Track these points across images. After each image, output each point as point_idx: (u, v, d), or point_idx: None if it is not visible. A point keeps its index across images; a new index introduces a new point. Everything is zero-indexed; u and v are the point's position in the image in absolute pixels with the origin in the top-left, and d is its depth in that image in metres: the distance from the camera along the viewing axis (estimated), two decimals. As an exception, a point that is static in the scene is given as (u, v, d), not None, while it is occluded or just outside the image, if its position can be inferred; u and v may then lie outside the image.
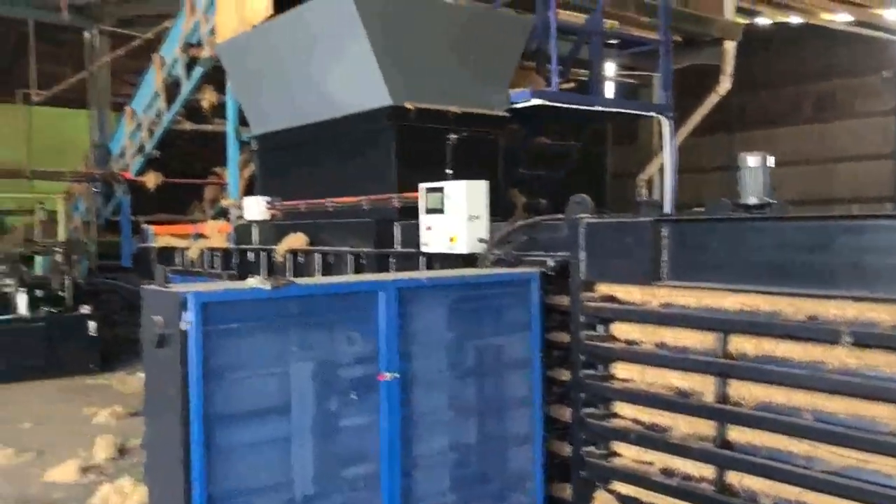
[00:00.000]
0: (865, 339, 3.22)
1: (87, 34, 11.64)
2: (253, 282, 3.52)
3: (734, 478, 3.74)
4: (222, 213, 10.54)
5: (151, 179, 10.71)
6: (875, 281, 3.22)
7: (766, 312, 3.57)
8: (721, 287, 3.75)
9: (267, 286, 3.47)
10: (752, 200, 4.81)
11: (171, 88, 9.72)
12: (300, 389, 3.72)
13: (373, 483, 3.87)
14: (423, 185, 5.43)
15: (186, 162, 11.40)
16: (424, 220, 5.39)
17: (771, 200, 4.86)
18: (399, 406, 3.89)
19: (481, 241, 5.12)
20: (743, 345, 3.68)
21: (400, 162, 6.14)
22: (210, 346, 3.35)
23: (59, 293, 10.34)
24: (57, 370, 9.64)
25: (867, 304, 3.24)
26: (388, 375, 3.84)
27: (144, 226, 10.08)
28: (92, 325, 9.98)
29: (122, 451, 6.25)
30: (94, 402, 8.20)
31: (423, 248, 5.43)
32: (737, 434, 3.74)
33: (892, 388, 3.16)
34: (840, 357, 3.32)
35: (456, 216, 5.15)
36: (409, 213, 5.91)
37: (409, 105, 6.06)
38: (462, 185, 5.17)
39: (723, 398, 3.75)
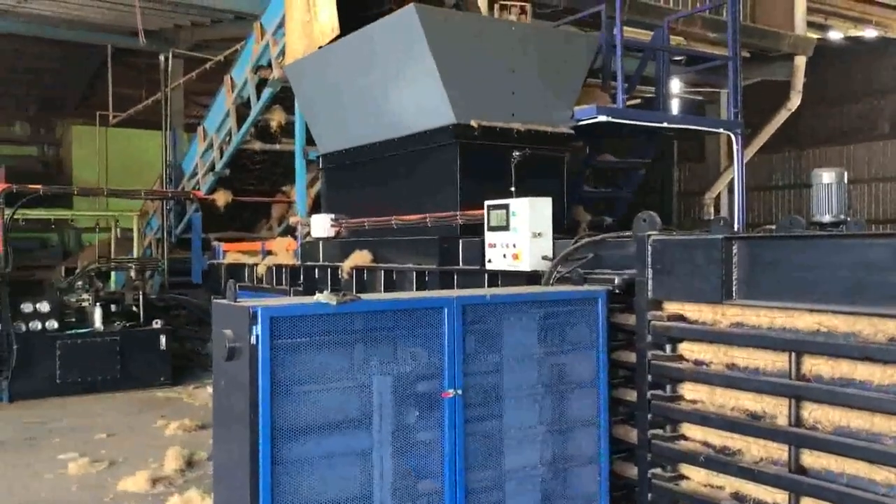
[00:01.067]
0: (951, 361, 3.08)
1: (161, 58, 12.03)
2: (319, 297, 3.56)
3: (809, 504, 3.61)
4: (289, 231, 10.76)
5: (221, 198, 10.99)
6: (961, 301, 3.08)
7: (844, 333, 3.45)
8: (795, 307, 3.64)
9: (333, 301, 3.52)
10: (827, 218, 4.68)
11: (241, 109, 9.98)
12: (366, 405, 3.74)
13: (436, 500, 3.86)
14: (487, 203, 5.43)
15: (255, 181, 11.69)
16: (488, 237, 5.39)
17: (846, 217, 4.72)
18: (462, 424, 3.88)
19: (545, 258, 5.09)
20: (819, 366, 3.55)
21: (463, 179, 6.17)
22: (278, 360, 3.40)
23: (133, 308, 10.65)
24: (129, 383, 9.92)
25: (952, 326, 3.10)
26: (451, 392, 3.84)
27: (214, 243, 10.34)
28: (163, 339, 10.24)
29: (190, 463, 6.37)
30: (165, 414, 8.41)
31: (487, 266, 5.43)
32: (812, 459, 3.60)
33: (980, 414, 3.00)
34: (923, 380, 3.18)
35: (520, 233, 5.14)
36: (473, 230, 5.93)
37: (473, 123, 6.09)
38: (526, 202, 5.15)
39: (797, 421, 3.62)
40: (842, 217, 4.72)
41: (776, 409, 3.71)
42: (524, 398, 4.19)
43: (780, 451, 3.71)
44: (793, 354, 3.62)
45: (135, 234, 13.27)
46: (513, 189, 6.17)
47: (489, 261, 5.40)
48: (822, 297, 3.55)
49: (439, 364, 3.84)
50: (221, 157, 10.51)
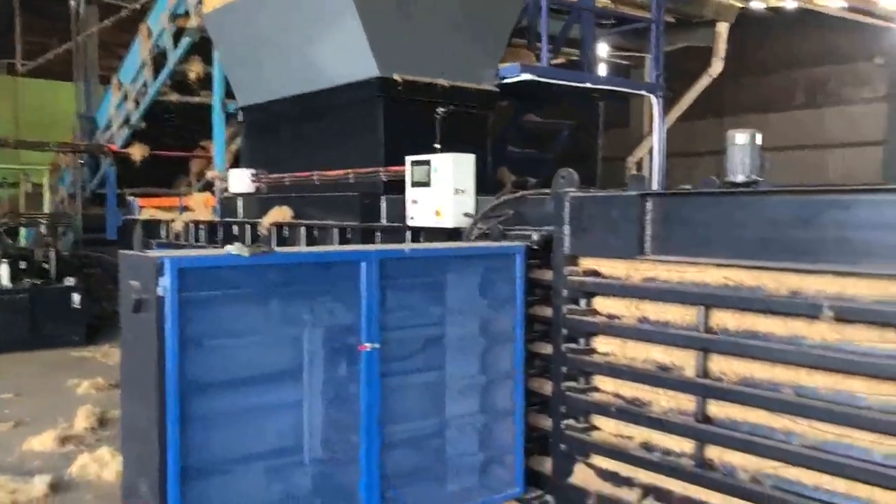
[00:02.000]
0: (846, 313, 3.21)
1: (72, 3, 11.42)
2: (231, 248, 3.47)
3: (714, 452, 3.74)
4: (209, 187, 10.47)
5: (137, 152, 10.61)
6: (857, 256, 3.20)
7: (749, 287, 3.55)
8: (704, 262, 3.73)
9: (245, 253, 3.43)
10: (740, 178, 4.79)
11: (158, 59, 9.61)
12: (283, 359, 3.69)
13: (352, 452, 3.85)
14: (409, 158, 5.38)
15: (174, 135, 11.31)
16: (410, 193, 5.34)
17: (758, 178, 4.85)
18: (379, 377, 3.87)
19: (467, 215, 5.09)
20: (725, 319, 3.66)
21: (387, 135, 6.09)
22: (187, 313, 3.31)
23: (44, 265, 10.24)
24: (40, 342, 9.55)
25: (849, 279, 3.22)
26: (368, 346, 3.81)
27: (130, 198, 10.00)
28: (76, 297, 9.89)
29: (102, 422, 6.22)
30: (77, 374, 8.14)
31: (409, 222, 5.40)
32: (717, 409, 3.73)
33: (870, 363, 3.15)
34: (821, 332, 3.31)
35: (442, 190, 5.11)
36: (396, 187, 5.87)
37: (397, 77, 6.00)
38: (448, 157, 5.13)
39: (704, 373, 3.74)
40: (753, 177, 4.85)
41: (684, 362, 3.82)
42: (441, 352, 4.21)
43: (687, 402, 3.82)
44: (701, 308, 3.72)
45: (45, 189, 12.70)
46: (438, 146, 6.13)
47: (411, 217, 5.36)
48: (731, 253, 3.64)
49: (357, 318, 3.81)
50: (137, 109, 10.11)
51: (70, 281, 10.01)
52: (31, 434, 5.89)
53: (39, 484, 4.73)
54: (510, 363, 4.41)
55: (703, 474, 3.74)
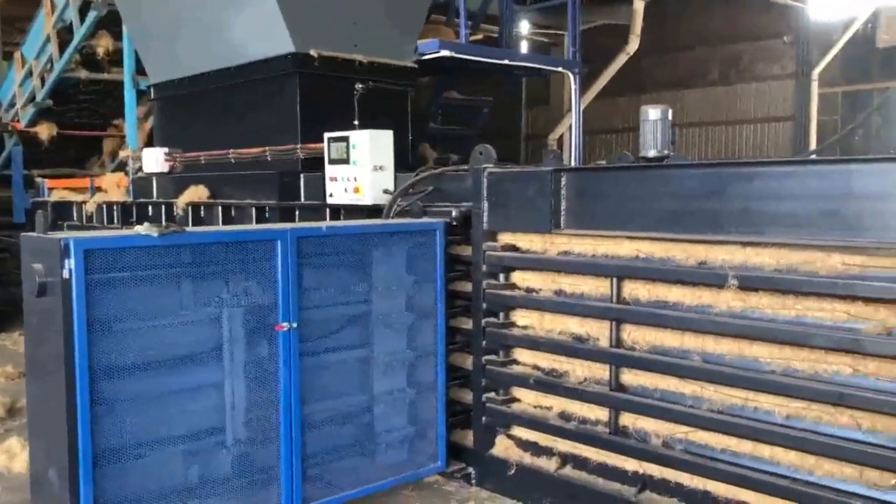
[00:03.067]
0: (751, 282, 3.34)
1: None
2: (140, 229, 3.37)
3: (628, 419, 3.86)
4: (122, 167, 10.13)
5: (45, 131, 10.13)
6: (762, 226, 3.34)
7: (660, 259, 3.67)
8: (617, 234, 3.83)
9: (154, 233, 3.34)
10: (652, 153, 4.91)
11: (63, 34, 9.18)
12: (198, 340, 3.62)
13: (273, 432, 3.82)
14: (327, 135, 5.32)
15: (84, 114, 10.87)
16: (329, 170, 5.29)
17: (670, 153, 4.98)
18: (298, 356, 3.84)
19: (386, 192, 5.07)
20: (637, 290, 3.77)
21: (304, 112, 5.99)
22: (95, 296, 3.21)
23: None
24: (-56, 331, 9.14)
25: (753, 249, 3.36)
26: (285, 326, 3.78)
27: (38, 180, 9.59)
28: (-18, 284, 9.46)
29: (11, 412, 6.00)
30: (-14, 362, 7.81)
31: (329, 200, 5.35)
32: (630, 377, 3.85)
33: (773, 329, 3.29)
34: (727, 300, 3.45)
35: (361, 166, 5.08)
36: (314, 164, 5.79)
37: (313, 52, 5.91)
38: (366, 134, 5.09)
39: (617, 342, 3.84)
40: (665, 152, 4.99)
41: (599, 332, 3.92)
42: (361, 330, 4.21)
43: (602, 371, 3.93)
44: (614, 280, 3.82)
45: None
46: (356, 122, 6.06)
47: (330, 195, 5.31)
48: (642, 226, 3.75)
49: (273, 297, 3.76)
50: (43, 86, 9.67)
51: (-25, 267, 9.56)
52: (-66, 426, 5.64)
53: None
54: (432, 339, 4.44)
55: (618, 441, 3.87)
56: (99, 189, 8.34)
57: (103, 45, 8.98)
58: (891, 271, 2.99)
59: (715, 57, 22.42)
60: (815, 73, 20.39)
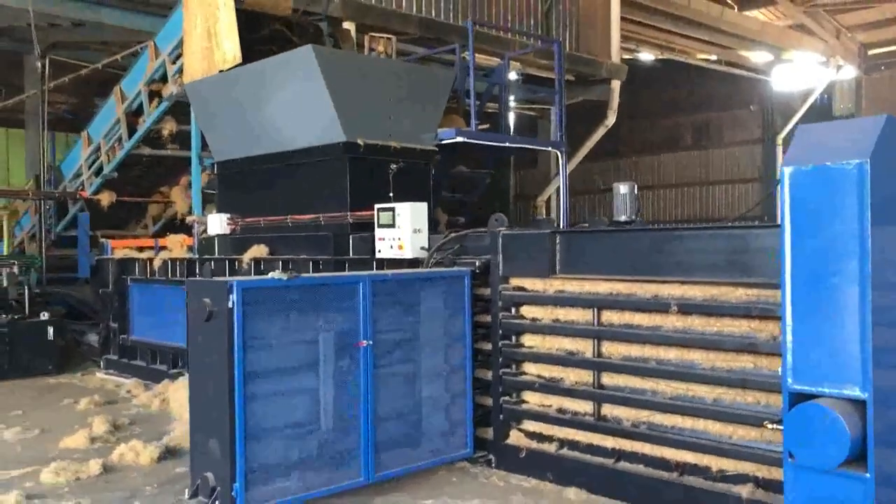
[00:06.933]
0: (687, 308, 4.95)
1: (38, 64, 12.47)
2: (273, 274, 4.95)
3: (607, 409, 5.42)
4: (166, 228, 11.71)
5: (106, 198, 11.74)
6: (692, 270, 4.96)
7: (626, 294, 5.27)
8: (597, 278, 5.44)
9: (284, 277, 4.91)
10: (623, 218, 6.57)
11: (130, 117, 10.84)
12: (308, 354, 5.13)
13: (355, 424, 5.33)
14: (377, 206, 6.94)
15: (135, 181, 12.47)
16: (378, 232, 6.90)
17: (636, 218, 6.64)
18: (372, 367, 5.38)
19: (422, 248, 6.67)
20: (611, 317, 5.37)
21: (352, 186, 7.62)
22: (246, 321, 4.75)
23: (12, 303, 11.17)
24: (17, 372, 10.46)
25: (688, 286, 4.97)
26: (364, 343, 5.33)
27: (102, 240, 11.11)
28: (51, 330, 10.88)
29: (116, 427, 7.36)
30: (66, 395, 9.18)
31: (378, 255, 6.93)
32: (608, 379, 5.42)
33: (703, 340, 4.89)
34: (672, 321, 5.05)
35: (403, 229, 6.69)
36: (359, 227, 7.39)
37: (359, 140, 7.56)
38: (408, 206, 6.72)
39: (598, 354, 5.43)
40: (633, 217, 6.64)
41: (585, 347, 5.51)
42: (415, 349, 5.76)
43: (588, 376, 5.50)
44: (595, 309, 5.42)
45: (4, 232, 13.60)
46: (391, 194, 7.71)
47: (379, 251, 6.91)
48: (614, 271, 5.36)
49: (356, 324, 5.32)
50: (109, 161, 11.28)
51: (45, 315, 11.01)
52: (57, 438, 7.03)
53: (94, 465, 5.97)
54: (462, 357, 6.00)
55: (600, 425, 5.41)
56: (164, 248, 9.87)
57: (168, 127, 10.63)
58: (774, 299, 4.60)
59: (687, 124, 24.50)
60: (780, 138, 22.47)
